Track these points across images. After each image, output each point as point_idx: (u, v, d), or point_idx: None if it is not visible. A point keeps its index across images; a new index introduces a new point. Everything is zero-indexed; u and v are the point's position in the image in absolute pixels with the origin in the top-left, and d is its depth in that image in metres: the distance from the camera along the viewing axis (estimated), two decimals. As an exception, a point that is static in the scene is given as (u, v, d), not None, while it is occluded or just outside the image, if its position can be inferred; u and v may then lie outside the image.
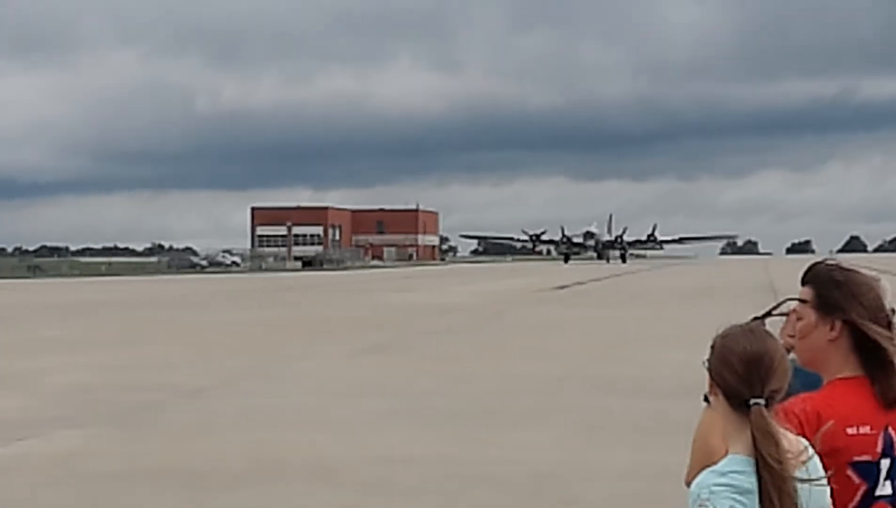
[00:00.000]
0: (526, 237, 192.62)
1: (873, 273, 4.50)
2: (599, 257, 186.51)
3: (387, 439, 15.38)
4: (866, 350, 4.04)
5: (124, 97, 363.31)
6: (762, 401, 3.52)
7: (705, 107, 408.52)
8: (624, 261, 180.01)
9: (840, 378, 4.02)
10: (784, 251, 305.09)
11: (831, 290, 4.14)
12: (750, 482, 3.46)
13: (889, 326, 4.07)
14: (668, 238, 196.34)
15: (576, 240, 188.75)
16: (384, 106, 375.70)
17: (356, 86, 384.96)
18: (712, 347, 3.70)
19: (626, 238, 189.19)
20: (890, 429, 3.91)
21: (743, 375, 3.55)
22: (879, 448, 3.87)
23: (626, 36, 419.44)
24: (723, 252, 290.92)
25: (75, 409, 18.57)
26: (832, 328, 4.09)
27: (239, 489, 12.46)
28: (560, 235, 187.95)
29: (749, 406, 3.53)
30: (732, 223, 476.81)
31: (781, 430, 3.55)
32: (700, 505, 3.46)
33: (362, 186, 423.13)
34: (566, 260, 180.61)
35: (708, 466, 3.81)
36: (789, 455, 3.49)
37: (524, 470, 13.20)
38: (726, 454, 3.88)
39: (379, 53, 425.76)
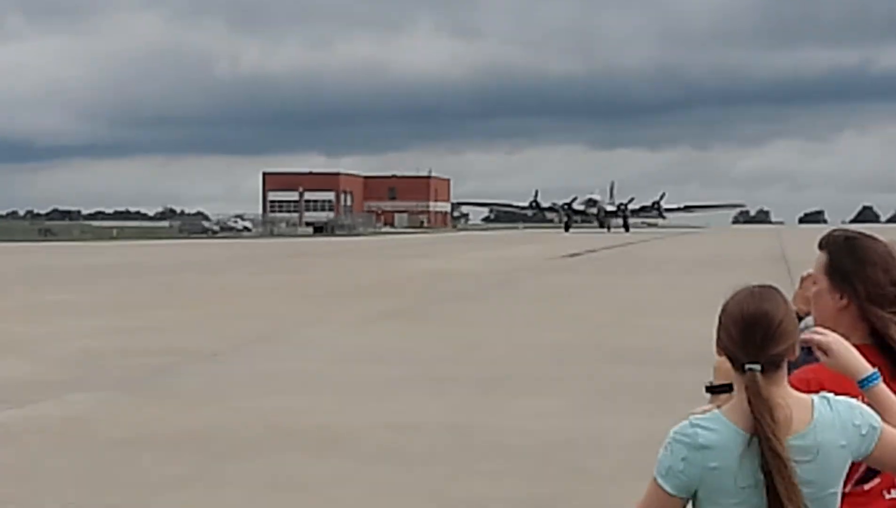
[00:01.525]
0: (525, 204, 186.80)
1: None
2: (601, 225, 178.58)
3: (397, 406, 15.39)
4: (875, 320, 4.05)
5: (143, 61, 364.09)
6: (757, 366, 3.51)
7: (724, 75, 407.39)
8: (627, 230, 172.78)
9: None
10: (797, 221, 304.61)
11: (843, 258, 4.15)
12: (708, 439, 3.48)
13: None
14: (673, 206, 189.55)
15: (577, 208, 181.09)
16: (402, 73, 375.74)
17: (375, 52, 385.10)
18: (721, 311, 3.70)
19: (629, 206, 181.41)
20: None
21: (738, 339, 3.55)
22: None
23: (649, 4, 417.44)
24: (735, 221, 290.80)
25: (87, 373, 18.61)
26: (841, 298, 4.12)
27: (250, 454, 12.48)
28: (561, 202, 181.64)
29: (745, 371, 3.54)
30: (745, 193, 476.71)
31: (781, 394, 3.53)
32: (663, 448, 3.53)
33: (375, 152, 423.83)
34: (566, 228, 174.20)
35: None
36: (783, 422, 3.47)
37: (535, 438, 13.21)
38: None
39: (400, 20, 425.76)
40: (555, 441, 13.07)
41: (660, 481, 3.52)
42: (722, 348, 3.61)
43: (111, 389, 16.99)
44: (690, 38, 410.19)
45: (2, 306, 31.89)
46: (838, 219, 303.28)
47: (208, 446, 12.90)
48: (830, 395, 3.62)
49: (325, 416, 14.60)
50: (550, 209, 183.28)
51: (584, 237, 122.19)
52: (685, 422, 3.55)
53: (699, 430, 3.51)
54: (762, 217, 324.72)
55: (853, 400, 3.64)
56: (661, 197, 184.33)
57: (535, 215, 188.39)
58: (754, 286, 3.68)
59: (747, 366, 3.52)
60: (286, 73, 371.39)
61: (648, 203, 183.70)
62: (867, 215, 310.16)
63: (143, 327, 25.62)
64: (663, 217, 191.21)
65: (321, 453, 12.59)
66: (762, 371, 3.52)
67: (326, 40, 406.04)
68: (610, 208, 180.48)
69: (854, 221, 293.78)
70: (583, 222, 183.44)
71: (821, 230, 4.52)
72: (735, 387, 3.61)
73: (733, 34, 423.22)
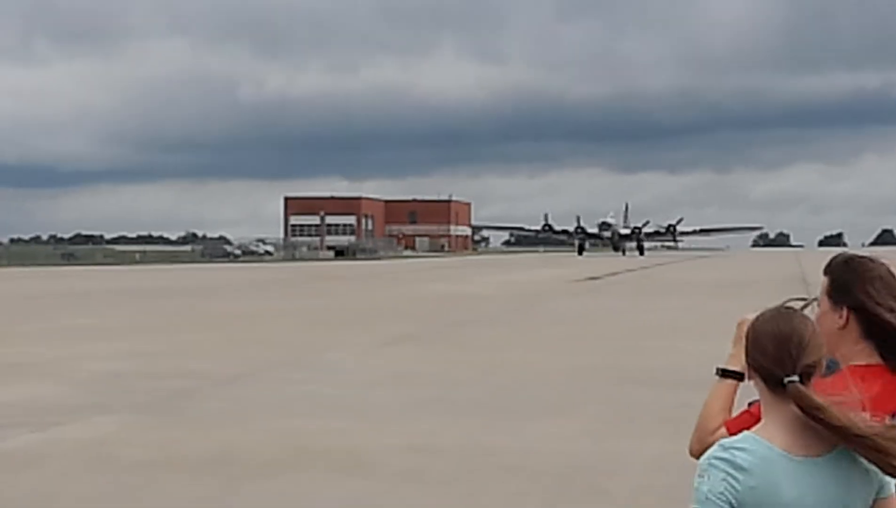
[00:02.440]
0: (538, 227, 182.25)
1: None
2: (615, 248, 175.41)
3: (417, 428, 15.45)
4: (880, 336, 4.08)
5: (169, 87, 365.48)
6: (796, 378, 3.58)
7: (745, 99, 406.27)
8: (641, 253, 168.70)
9: (853, 366, 4.05)
10: (816, 244, 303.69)
11: (841, 276, 4.21)
12: (746, 460, 3.51)
13: None
14: (688, 229, 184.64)
15: (591, 231, 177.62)
16: (424, 96, 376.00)
17: (398, 76, 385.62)
18: (747, 334, 3.76)
19: (644, 229, 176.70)
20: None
21: (775, 355, 3.61)
22: None
23: (671, 27, 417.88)
24: (755, 244, 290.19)
25: (110, 396, 18.71)
26: (840, 316, 4.16)
27: (270, 477, 12.55)
28: (575, 225, 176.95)
29: (785, 386, 3.59)
30: (765, 216, 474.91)
31: (828, 398, 3.57)
32: (699, 475, 3.55)
33: (397, 176, 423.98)
34: (580, 252, 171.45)
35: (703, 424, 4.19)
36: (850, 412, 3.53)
37: (553, 461, 13.25)
38: (722, 425, 4.16)
39: (423, 44, 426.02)
40: (574, 463, 13.12)
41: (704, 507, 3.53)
42: (755, 367, 3.67)
43: (134, 412, 17.09)
44: (712, 61, 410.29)
45: (25, 329, 32.05)
46: (858, 242, 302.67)
47: (230, 468, 12.98)
48: None
49: (346, 438, 14.67)
50: (563, 232, 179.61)
51: (598, 261, 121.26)
52: (715, 447, 3.59)
53: (735, 451, 3.54)
54: (782, 240, 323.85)
55: None
56: (678, 221, 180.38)
57: (549, 238, 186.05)
58: (779, 307, 3.78)
59: (787, 380, 3.58)
60: (309, 97, 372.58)
61: (663, 226, 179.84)
62: (887, 237, 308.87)
63: (165, 350, 25.73)
64: (676, 241, 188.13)
65: (342, 475, 12.65)
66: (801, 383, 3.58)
67: (350, 64, 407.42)
68: (624, 232, 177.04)
69: (873, 243, 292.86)
70: (595, 245, 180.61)
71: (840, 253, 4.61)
72: (765, 408, 3.67)
73: (755, 58, 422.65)
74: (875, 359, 4.08)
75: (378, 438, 14.71)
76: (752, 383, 3.77)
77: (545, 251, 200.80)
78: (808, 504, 3.52)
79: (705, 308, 39.99)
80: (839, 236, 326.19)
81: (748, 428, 3.81)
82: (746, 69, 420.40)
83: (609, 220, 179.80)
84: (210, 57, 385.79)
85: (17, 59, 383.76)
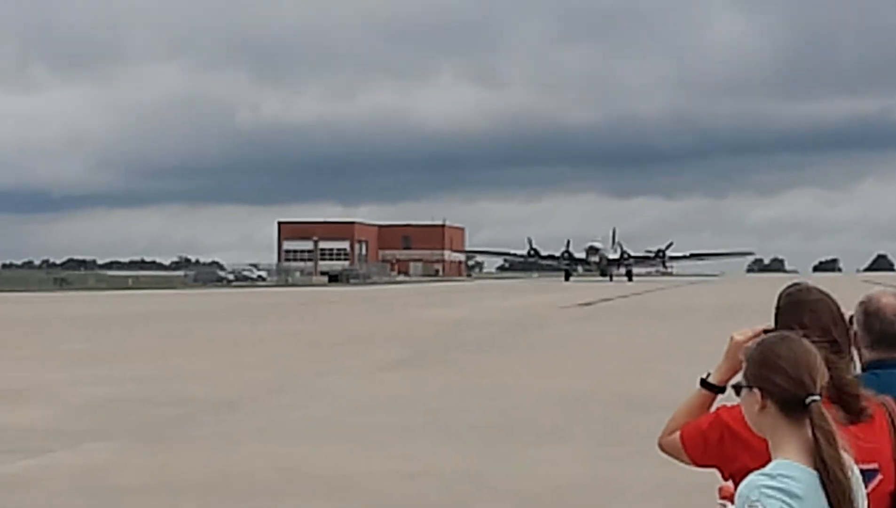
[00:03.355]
0: (524, 252, 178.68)
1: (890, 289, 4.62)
2: (603, 274, 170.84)
3: (411, 453, 15.40)
4: None
5: (164, 111, 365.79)
6: (818, 397, 3.58)
7: (742, 124, 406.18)
8: (630, 279, 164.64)
9: None
10: (811, 270, 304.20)
11: (779, 311, 4.53)
12: (799, 487, 3.48)
13: (834, 346, 4.15)
14: (678, 254, 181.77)
15: (578, 256, 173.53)
16: (420, 121, 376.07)
17: (394, 100, 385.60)
18: (748, 360, 3.75)
19: (633, 254, 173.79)
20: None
21: (795, 376, 3.60)
22: None
23: (669, 52, 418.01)
24: (749, 270, 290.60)
25: (102, 421, 18.65)
26: None
27: (265, 502, 12.50)
28: (563, 249, 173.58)
29: (806, 406, 3.57)
30: (760, 241, 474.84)
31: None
32: (749, 506, 3.48)
33: (392, 201, 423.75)
34: (567, 277, 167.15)
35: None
36: (845, 454, 3.54)
37: (549, 485, 13.20)
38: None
39: (420, 68, 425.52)
40: (570, 488, 13.07)
41: None
42: (772, 392, 3.63)
43: (127, 438, 17.02)
44: (709, 86, 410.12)
45: (18, 353, 31.98)
46: (853, 267, 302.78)
47: (224, 493, 12.92)
48: None
49: (341, 464, 14.62)
50: (550, 257, 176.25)
51: (587, 287, 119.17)
52: (760, 476, 3.53)
53: (785, 479, 3.50)
54: (777, 266, 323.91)
55: None
56: (668, 246, 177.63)
57: (537, 263, 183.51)
58: (782, 332, 3.82)
59: (810, 399, 3.56)
60: (305, 122, 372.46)
61: (653, 251, 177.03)
62: (881, 263, 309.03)
63: (158, 376, 25.67)
64: (665, 266, 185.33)
65: (337, 500, 12.60)
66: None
67: (346, 89, 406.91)
68: (612, 257, 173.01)
69: (868, 269, 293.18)
70: (587, 270, 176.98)
71: (835, 279, 4.67)
72: (781, 433, 3.63)
73: (754, 83, 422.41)
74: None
75: (372, 463, 14.66)
76: (756, 408, 3.70)
77: (540, 277, 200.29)
78: None
79: (699, 332, 39.96)
80: (834, 261, 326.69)
81: (699, 438, 4.15)
82: (743, 94, 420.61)
83: (597, 244, 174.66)
84: (206, 82, 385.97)
85: (14, 85, 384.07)
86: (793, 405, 3.59)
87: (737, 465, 4.25)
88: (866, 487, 3.89)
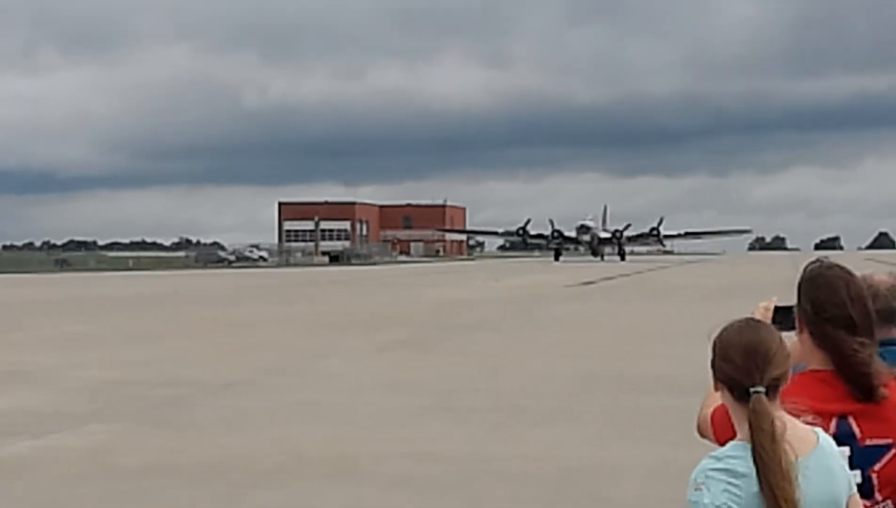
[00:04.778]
0: (513, 231, 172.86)
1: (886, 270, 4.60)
2: (595, 253, 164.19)
3: (413, 435, 15.37)
4: (829, 348, 4.16)
5: (169, 92, 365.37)
6: (762, 389, 3.62)
7: (749, 103, 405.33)
8: (623, 258, 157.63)
9: (809, 370, 4.17)
10: (812, 248, 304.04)
11: (801, 284, 4.36)
12: (746, 466, 3.54)
13: (848, 323, 4.14)
14: (672, 233, 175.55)
15: (568, 235, 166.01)
16: (426, 102, 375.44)
17: (398, 82, 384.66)
18: (713, 345, 3.80)
19: (626, 233, 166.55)
20: (849, 419, 4.02)
21: (742, 365, 3.65)
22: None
23: (677, 32, 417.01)
24: (751, 248, 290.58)
25: (103, 404, 18.63)
26: (799, 324, 4.31)
27: (266, 484, 12.48)
28: (550, 228, 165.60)
29: (750, 395, 3.62)
30: (763, 220, 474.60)
31: (785, 417, 3.64)
32: (696, 489, 3.58)
33: (394, 181, 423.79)
34: (556, 257, 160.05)
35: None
36: (787, 443, 3.55)
37: (552, 467, 13.17)
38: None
39: (428, 48, 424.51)
40: (574, 470, 13.04)
41: None
42: (722, 379, 3.72)
43: (128, 420, 17.00)
44: (717, 65, 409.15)
45: (19, 337, 31.97)
46: (854, 245, 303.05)
47: (227, 476, 12.90)
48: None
49: (343, 445, 14.59)
50: (539, 236, 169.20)
51: (577, 268, 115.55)
52: (707, 459, 3.61)
53: (730, 460, 3.57)
54: (778, 244, 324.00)
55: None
56: (660, 223, 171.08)
57: (548, 245, 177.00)
58: (745, 319, 3.84)
59: (752, 390, 3.62)
60: (311, 103, 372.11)
61: (646, 230, 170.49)
62: (883, 241, 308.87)
63: (159, 358, 25.65)
64: (663, 244, 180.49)
65: (339, 482, 12.58)
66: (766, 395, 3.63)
67: (353, 70, 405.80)
68: (604, 235, 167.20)
69: (870, 247, 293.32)
70: (576, 249, 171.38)
71: (837, 256, 4.66)
72: (736, 419, 3.69)
73: (763, 61, 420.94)
74: (829, 365, 4.15)
75: (375, 445, 14.63)
76: (718, 393, 3.80)
77: (541, 256, 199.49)
78: (807, 502, 3.54)
79: (702, 312, 39.91)
80: (836, 239, 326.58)
81: (725, 415, 3.93)
82: (749, 73, 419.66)
83: (588, 223, 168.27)
84: (212, 63, 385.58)
85: (21, 67, 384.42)
86: (741, 394, 3.66)
87: None
88: (880, 461, 4.01)
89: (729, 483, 3.51)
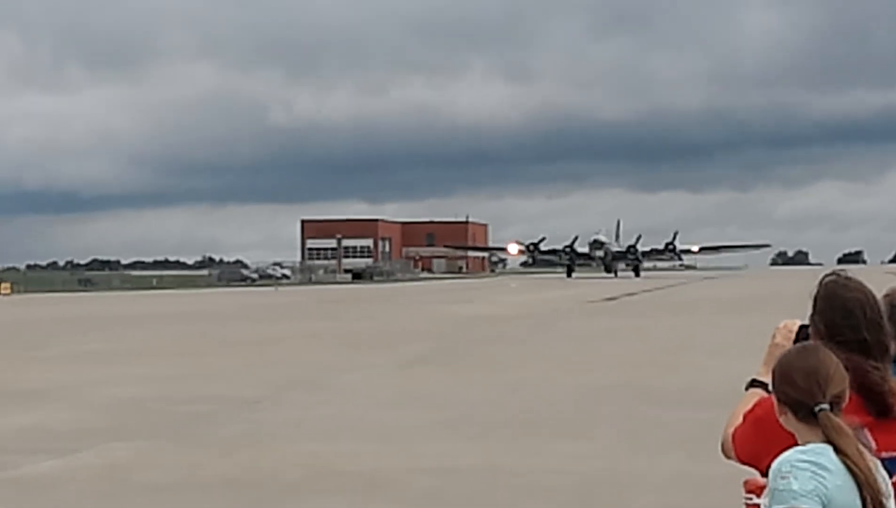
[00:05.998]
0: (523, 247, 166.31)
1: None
2: (608, 269, 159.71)
3: (436, 449, 15.41)
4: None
5: (194, 110, 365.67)
6: (826, 406, 3.84)
7: (773, 117, 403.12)
8: (637, 274, 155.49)
9: None
10: (835, 262, 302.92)
11: (816, 300, 4.53)
12: (832, 461, 3.74)
13: (862, 346, 4.22)
14: (687, 248, 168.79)
15: (581, 250, 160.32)
16: (450, 118, 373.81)
17: (422, 98, 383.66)
18: (773, 371, 4.03)
19: (640, 248, 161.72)
20: (865, 431, 4.06)
21: (804, 387, 3.88)
22: None
23: (701, 45, 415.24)
24: (773, 263, 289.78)
25: (127, 421, 18.71)
26: (813, 338, 4.45)
27: (292, 500, 12.53)
28: (564, 244, 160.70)
29: (815, 415, 3.84)
30: (786, 234, 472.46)
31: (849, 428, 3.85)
32: (782, 477, 3.74)
33: (417, 198, 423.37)
34: (569, 273, 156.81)
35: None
36: (865, 450, 3.81)
37: (573, 480, 13.20)
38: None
39: (452, 64, 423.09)
40: (595, 482, 13.06)
41: (800, 503, 3.70)
42: (785, 401, 3.94)
43: (153, 437, 17.07)
44: (740, 78, 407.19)
45: (44, 354, 32.10)
46: (877, 259, 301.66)
47: (250, 491, 12.95)
48: None
49: (367, 460, 14.64)
50: (551, 252, 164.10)
51: (589, 285, 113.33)
52: (793, 452, 3.80)
53: (816, 454, 3.77)
54: (801, 258, 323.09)
55: None
56: (675, 237, 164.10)
57: (570, 261, 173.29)
58: (802, 344, 4.13)
59: (818, 408, 3.85)
60: (334, 120, 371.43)
61: (660, 245, 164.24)
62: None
63: (183, 374, 25.74)
64: (680, 259, 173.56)
65: (363, 497, 12.62)
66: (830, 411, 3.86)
67: (377, 86, 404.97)
68: (617, 251, 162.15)
69: (892, 260, 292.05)
70: (588, 265, 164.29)
71: (859, 271, 4.73)
72: (807, 433, 3.89)
73: (787, 75, 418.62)
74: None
75: (397, 460, 14.67)
76: (780, 415, 3.99)
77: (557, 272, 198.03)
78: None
79: (722, 325, 39.86)
80: (858, 253, 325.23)
81: (748, 433, 4.32)
82: (774, 86, 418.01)
83: (601, 238, 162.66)
84: (237, 80, 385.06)
85: (47, 85, 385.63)
86: (805, 414, 3.88)
87: (772, 459, 4.26)
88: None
89: (815, 473, 3.70)
